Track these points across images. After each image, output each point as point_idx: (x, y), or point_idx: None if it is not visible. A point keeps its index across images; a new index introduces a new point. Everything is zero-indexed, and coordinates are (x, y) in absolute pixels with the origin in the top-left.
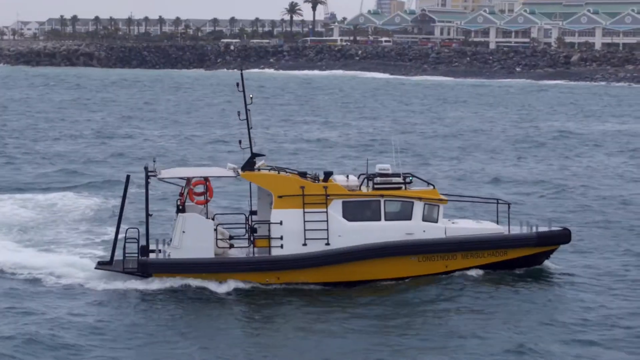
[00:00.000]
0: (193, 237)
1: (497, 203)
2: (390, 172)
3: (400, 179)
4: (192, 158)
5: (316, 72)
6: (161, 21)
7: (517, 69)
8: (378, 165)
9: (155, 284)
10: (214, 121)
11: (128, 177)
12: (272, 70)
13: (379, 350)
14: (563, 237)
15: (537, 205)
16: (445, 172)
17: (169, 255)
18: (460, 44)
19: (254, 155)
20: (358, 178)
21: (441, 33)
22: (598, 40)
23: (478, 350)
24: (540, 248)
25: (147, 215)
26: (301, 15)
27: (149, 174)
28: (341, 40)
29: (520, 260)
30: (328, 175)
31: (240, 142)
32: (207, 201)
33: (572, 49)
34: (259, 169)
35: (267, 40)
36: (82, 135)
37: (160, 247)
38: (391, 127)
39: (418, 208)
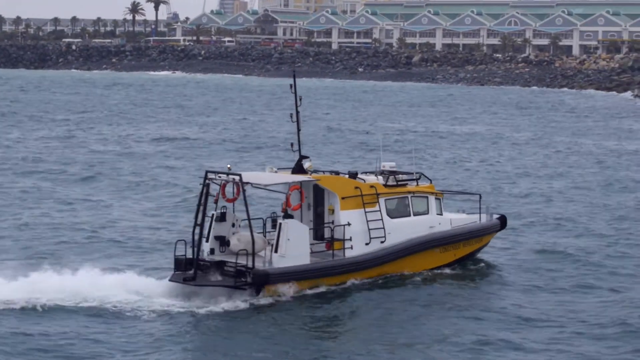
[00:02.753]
0: (296, 244)
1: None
2: (396, 169)
3: (413, 176)
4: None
5: (164, 72)
6: (1, 20)
7: (360, 70)
8: (384, 162)
9: (271, 294)
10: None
11: (204, 186)
12: (108, 71)
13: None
14: (505, 223)
15: None
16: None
17: (270, 263)
18: (303, 44)
19: (302, 158)
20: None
21: (284, 33)
22: (438, 41)
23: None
24: (496, 233)
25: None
26: (144, 15)
27: (242, 181)
28: (184, 40)
29: (484, 247)
30: (354, 175)
31: (292, 145)
32: (300, 206)
33: (413, 49)
34: (308, 171)
35: (110, 40)
36: None
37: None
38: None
39: (432, 202)
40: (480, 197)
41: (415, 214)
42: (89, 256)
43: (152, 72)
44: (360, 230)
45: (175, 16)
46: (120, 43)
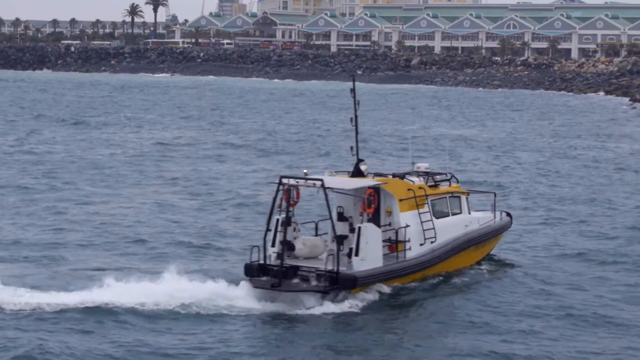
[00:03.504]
0: (373, 247)
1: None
2: (430, 170)
3: (446, 177)
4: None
5: (162, 75)
6: (0, 22)
7: (359, 72)
8: (417, 164)
9: (351, 298)
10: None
11: (289, 191)
12: (107, 73)
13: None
14: (512, 220)
15: None
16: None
17: (351, 267)
18: (302, 46)
19: (359, 161)
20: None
21: (283, 36)
22: (437, 44)
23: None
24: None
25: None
26: (142, 17)
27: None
28: (183, 42)
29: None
30: (402, 177)
31: (352, 148)
32: (374, 209)
33: (412, 52)
34: (366, 174)
35: (108, 42)
36: None
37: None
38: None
39: (464, 202)
40: (495, 196)
41: (453, 214)
42: (155, 260)
43: (151, 75)
44: (416, 231)
45: (174, 18)
46: (119, 45)
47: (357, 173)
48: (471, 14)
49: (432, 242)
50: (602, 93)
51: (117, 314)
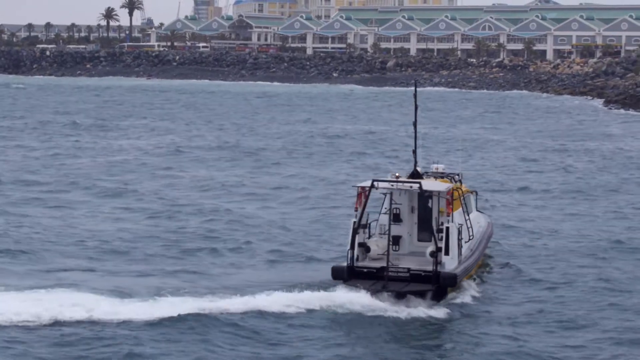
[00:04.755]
0: (456, 246)
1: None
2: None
3: (459, 177)
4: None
5: (139, 79)
6: None
7: (334, 75)
8: (433, 165)
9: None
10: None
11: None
12: (83, 77)
13: None
14: None
15: None
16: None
17: (444, 266)
18: (278, 49)
19: (415, 163)
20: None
21: (258, 39)
22: (413, 46)
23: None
24: None
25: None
26: (118, 21)
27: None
28: (158, 45)
29: None
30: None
31: (414, 151)
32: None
33: (387, 54)
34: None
35: (84, 46)
36: None
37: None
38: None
39: (474, 200)
40: (477, 194)
41: (470, 212)
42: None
43: (131, 78)
44: (464, 229)
45: (150, 22)
46: (95, 49)
47: (416, 175)
48: (446, 16)
49: (470, 239)
50: (571, 95)
51: (226, 322)
